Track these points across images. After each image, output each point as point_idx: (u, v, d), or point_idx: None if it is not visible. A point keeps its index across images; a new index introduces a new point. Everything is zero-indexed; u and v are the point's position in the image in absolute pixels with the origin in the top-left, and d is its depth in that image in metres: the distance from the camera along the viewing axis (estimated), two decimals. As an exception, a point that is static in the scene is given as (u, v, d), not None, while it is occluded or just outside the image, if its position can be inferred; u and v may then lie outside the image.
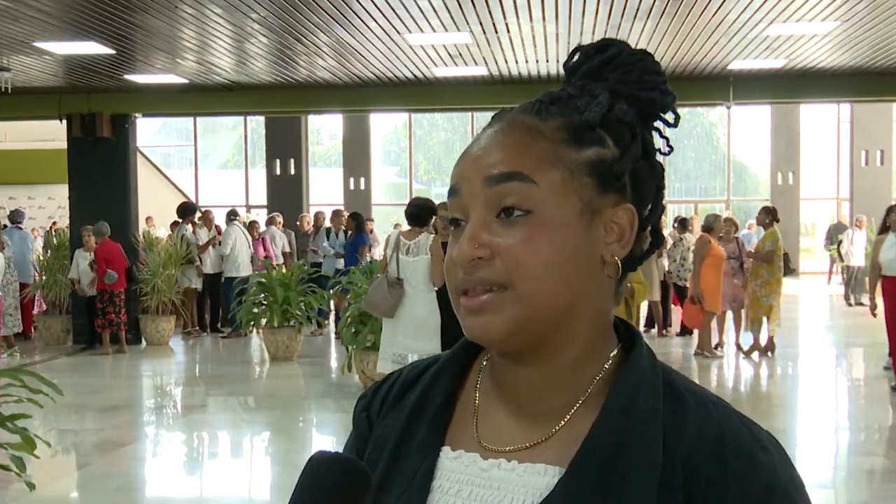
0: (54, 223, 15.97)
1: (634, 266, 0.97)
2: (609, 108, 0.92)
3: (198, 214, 13.49)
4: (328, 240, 13.02)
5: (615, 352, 0.95)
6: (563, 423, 0.92)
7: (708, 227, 10.21)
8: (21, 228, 13.18)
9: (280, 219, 14.53)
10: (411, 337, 6.45)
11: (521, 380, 0.94)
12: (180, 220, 13.12)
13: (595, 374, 0.94)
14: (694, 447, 0.88)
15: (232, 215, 13.15)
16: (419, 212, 6.60)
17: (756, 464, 0.87)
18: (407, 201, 7.22)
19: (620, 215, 0.93)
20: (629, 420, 0.89)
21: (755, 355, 10.31)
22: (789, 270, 10.27)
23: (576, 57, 0.99)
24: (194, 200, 19.89)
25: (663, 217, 1.04)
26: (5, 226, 13.31)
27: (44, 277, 12.76)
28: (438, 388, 1.00)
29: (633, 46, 0.97)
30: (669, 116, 0.99)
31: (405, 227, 7.08)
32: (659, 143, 1.00)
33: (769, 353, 10.30)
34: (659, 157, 0.98)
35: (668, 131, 1.01)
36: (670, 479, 0.86)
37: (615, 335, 0.97)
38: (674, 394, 0.92)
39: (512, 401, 0.96)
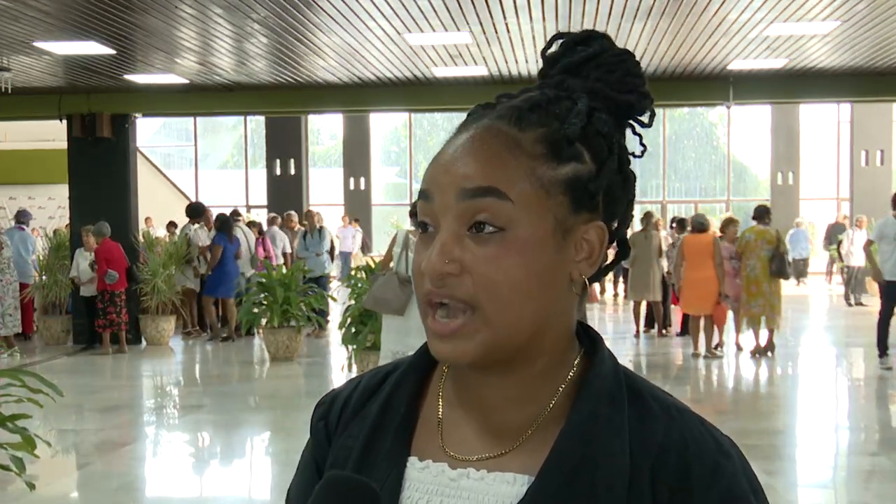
0: (67, 225, 15.94)
1: (599, 279, 0.96)
2: (588, 119, 0.90)
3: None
4: (304, 240, 13.06)
5: (578, 359, 0.95)
6: (530, 432, 0.92)
7: (708, 227, 10.31)
8: (23, 229, 13.20)
9: (279, 219, 14.55)
10: (414, 336, 6.46)
11: (487, 392, 0.93)
12: (188, 220, 13.09)
13: (560, 383, 0.93)
14: (659, 454, 0.88)
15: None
16: None
17: (718, 470, 0.88)
18: (407, 201, 7.22)
19: (591, 234, 0.91)
20: (595, 429, 0.89)
21: (753, 354, 10.32)
22: (780, 272, 10.13)
23: (556, 46, 0.97)
24: (194, 200, 19.88)
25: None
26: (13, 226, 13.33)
27: (44, 277, 12.76)
28: (401, 397, 0.98)
29: (618, 45, 0.95)
30: (645, 117, 0.97)
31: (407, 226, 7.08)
32: (633, 143, 0.98)
33: (769, 353, 10.30)
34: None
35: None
36: (638, 487, 0.87)
37: (577, 341, 0.96)
38: (638, 400, 0.92)
39: (478, 411, 0.94)
